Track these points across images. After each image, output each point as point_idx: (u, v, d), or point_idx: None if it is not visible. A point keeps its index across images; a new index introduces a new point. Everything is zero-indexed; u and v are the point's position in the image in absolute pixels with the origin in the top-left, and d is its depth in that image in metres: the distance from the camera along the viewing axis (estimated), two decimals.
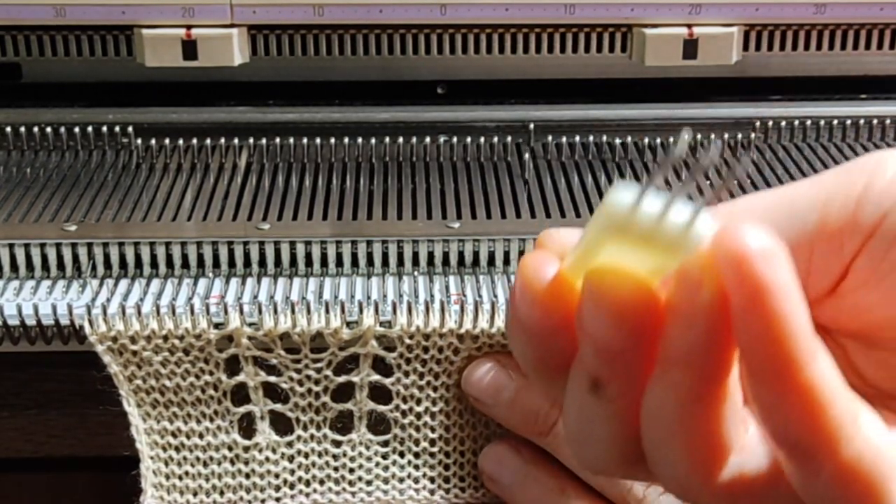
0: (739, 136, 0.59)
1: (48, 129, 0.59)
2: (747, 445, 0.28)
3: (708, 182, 0.55)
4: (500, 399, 0.42)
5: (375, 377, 0.43)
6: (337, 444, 0.44)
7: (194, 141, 0.59)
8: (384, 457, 0.44)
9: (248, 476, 0.44)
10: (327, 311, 0.42)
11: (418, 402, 0.44)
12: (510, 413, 0.42)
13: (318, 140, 0.58)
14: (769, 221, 0.30)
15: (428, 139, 0.58)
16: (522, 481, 0.43)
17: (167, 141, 0.58)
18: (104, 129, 0.59)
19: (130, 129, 0.59)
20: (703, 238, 0.27)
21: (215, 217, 0.51)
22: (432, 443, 0.44)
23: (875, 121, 0.61)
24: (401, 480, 0.45)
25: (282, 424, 0.44)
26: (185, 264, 0.48)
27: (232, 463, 0.44)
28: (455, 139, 0.58)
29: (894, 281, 0.30)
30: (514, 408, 0.42)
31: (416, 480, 0.45)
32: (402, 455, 0.44)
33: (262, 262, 0.48)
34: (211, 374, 0.43)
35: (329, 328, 0.42)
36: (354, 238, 0.48)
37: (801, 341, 0.25)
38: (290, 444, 0.44)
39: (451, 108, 0.63)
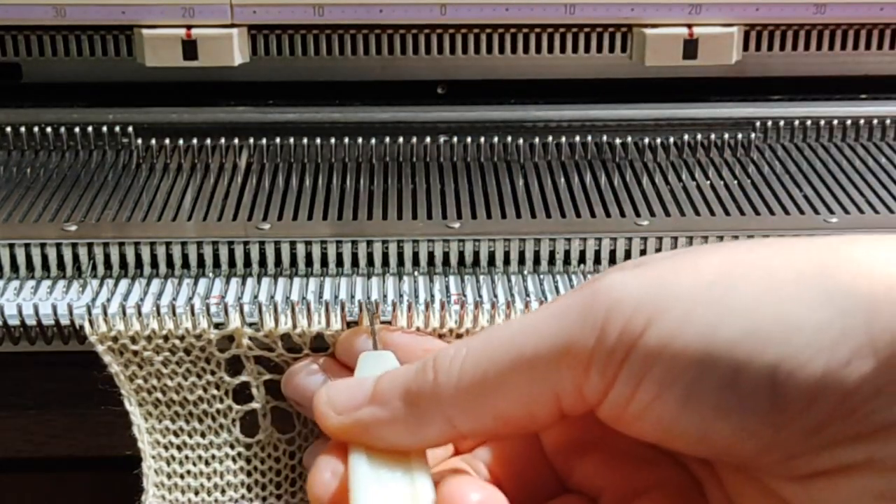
0: (739, 136, 0.59)
1: (48, 129, 0.59)
2: None
3: (708, 182, 0.55)
4: None
5: None
6: None
7: (194, 141, 0.59)
8: None
9: (249, 474, 0.44)
10: (327, 312, 0.42)
11: None
12: None
13: (318, 140, 0.58)
14: (507, 362, 0.32)
15: (428, 139, 0.58)
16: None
17: (167, 141, 0.58)
18: (104, 129, 0.59)
19: (130, 129, 0.59)
20: None
21: (215, 217, 0.51)
22: None
23: (875, 121, 0.61)
24: None
25: (284, 421, 0.44)
26: (185, 264, 0.48)
27: (234, 461, 0.44)
28: (455, 139, 0.58)
29: (648, 418, 0.31)
30: None
31: None
32: None
33: (262, 262, 0.48)
34: (213, 373, 0.43)
35: (329, 329, 0.42)
36: (354, 238, 0.48)
37: None
38: (291, 441, 0.44)
39: (451, 108, 0.63)
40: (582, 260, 0.48)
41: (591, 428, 0.34)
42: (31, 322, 0.44)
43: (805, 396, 0.28)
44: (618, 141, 0.58)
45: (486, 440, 0.37)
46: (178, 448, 0.44)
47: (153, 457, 0.43)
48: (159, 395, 0.43)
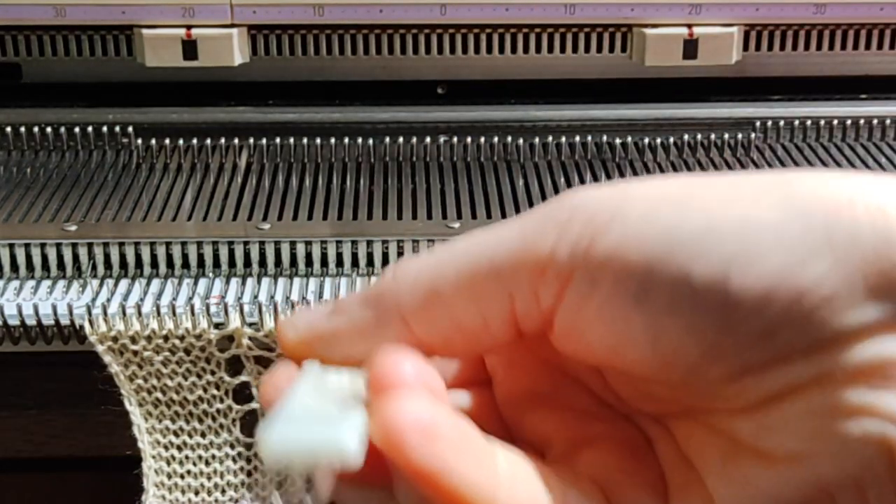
0: (739, 136, 0.59)
1: (48, 129, 0.59)
2: None
3: None
4: None
5: None
6: None
7: (194, 141, 0.59)
8: None
9: (249, 474, 0.44)
10: None
11: None
12: None
13: (318, 140, 0.58)
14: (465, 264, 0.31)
15: (428, 139, 0.58)
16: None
17: (167, 141, 0.58)
18: (104, 129, 0.59)
19: (130, 129, 0.59)
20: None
21: (215, 217, 0.51)
22: None
23: (875, 121, 0.61)
24: None
25: None
26: (185, 264, 0.48)
27: (234, 461, 0.44)
28: (455, 139, 0.58)
29: (601, 323, 0.30)
30: None
31: None
32: None
33: (262, 262, 0.48)
34: (213, 373, 0.43)
35: None
36: (354, 238, 0.48)
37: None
38: None
39: (451, 108, 0.63)
40: None
41: (542, 379, 0.34)
42: (31, 322, 0.44)
43: (758, 294, 0.28)
44: (618, 141, 0.58)
45: (444, 354, 0.37)
46: (179, 448, 0.44)
47: (153, 457, 0.43)
48: (159, 395, 0.43)
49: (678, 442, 0.33)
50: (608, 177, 0.56)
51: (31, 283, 0.47)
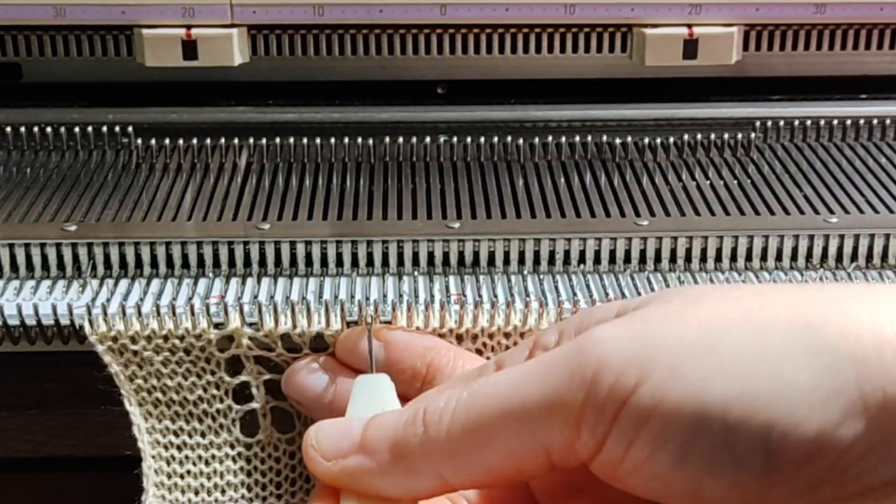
0: (739, 136, 0.59)
1: (48, 129, 0.59)
2: None
3: (708, 182, 0.55)
4: (320, 401, 0.42)
5: None
6: None
7: (194, 141, 0.59)
8: None
9: (249, 474, 0.44)
10: (327, 312, 0.42)
11: None
12: (330, 414, 0.42)
13: (318, 140, 0.58)
14: (504, 425, 0.32)
15: (428, 139, 0.58)
16: None
17: (167, 141, 0.58)
18: (104, 129, 0.59)
19: (130, 129, 0.59)
20: None
21: (215, 217, 0.51)
22: None
23: (875, 121, 0.61)
24: None
25: (284, 421, 0.44)
26: (185, 264, 0.48)
27: (234, 461, 0.44)
28: (455, 139, 0.58)
29: (639, 477, 0.31)
30: (333, 409, 0.41)
31: None
32: None
33: (262, 262, 0.48)
34: (213, 373, 0.43)
35: (329, 329, 0.42)
36: (354, 238, 0.48)
37: None
38: (291, 441, 0.44)
39: (451, 108, 0.63)
40: (582, 260, 0.48)
41: (580, 473, 0.34)
42: (31, 322, 0.44)
43: (799, 458, 0.28)
44: (618, 141, 0.58)
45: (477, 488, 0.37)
46: (178, 448, 0.44)
47: (153, 457, 0.43)
48: (159, 394, 0.43)
49: None
50: (608, 177, 0.56)
51: (31, 283, 0.47)
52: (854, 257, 0.48)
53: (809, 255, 0.49)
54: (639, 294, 0.46)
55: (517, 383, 0.32)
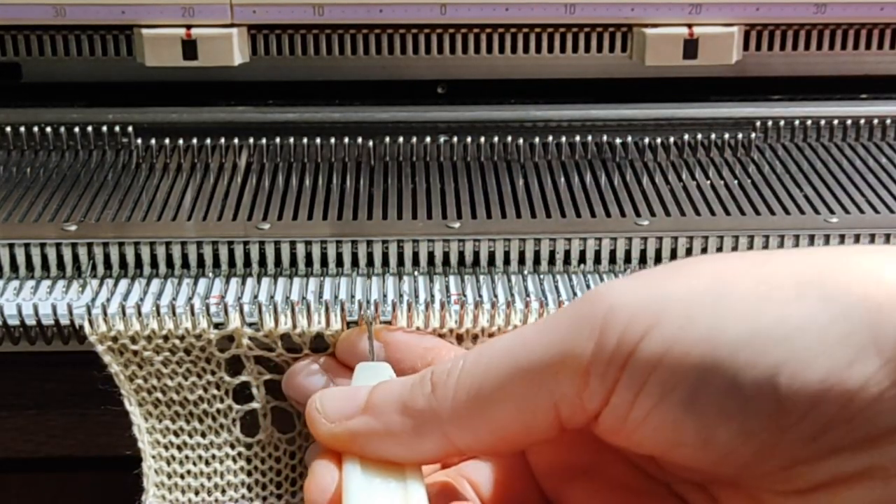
0: (739, 136, 0.59)
1: (48, 129, 0.59)
2: None
3: (708, 182, 0.55)
4: None
5: None
6: None
7: (194, 141, 0.59)
8: None
9: (250, 474, 0.44)
10: (327, 312, 0.42)
11: None
12: None
13: (318, 140, 0.58)
14: (506, 373, 0.32)
15: (428, 139, 0.58)
16: None
17: (167, 141, 0.58)
18: (104, 129, 0.59)
19: (130, 129, 0.59)
20: None
21: (215, 217, 0.51)
22: None
23: (875, 121, 0.61)
24: None
25: (284, 421, 0.44)
26: (185, 264, 0.48)
27: (234, 461, 0.44)
28: (455, 139, 0.58)
29: (649, 426, 0.30)
30: None
31: None
32: None
33: (262, 262, 0.48)
34: (213, 373, 0.43)
35: (329, 329, 0.42)
36: (354, 238, 0.48)
37: None
38: (292, 441, 0.44)
39: (451, 108, 0.63)
40: (582, 260, 0.48)
41: (582, 452, 0.34)
42: (30, 322, 0.44)
43: (808, 399, 0.28)
44: (618, 141, 0.58)
45: (480, 455, 0.37)
46: (179, 448, 0.44)
47: (153, 457, 0.43)
48: (159, 395, 0.43)
49: None
50: (608, 177, 0.56)
51: (31, 283, 0.47)
52: None
53: None
54: None
55: (525, 338, 0.32)
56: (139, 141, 0.58)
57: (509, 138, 0.58)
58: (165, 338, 0.43)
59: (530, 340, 0.32)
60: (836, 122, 0.61)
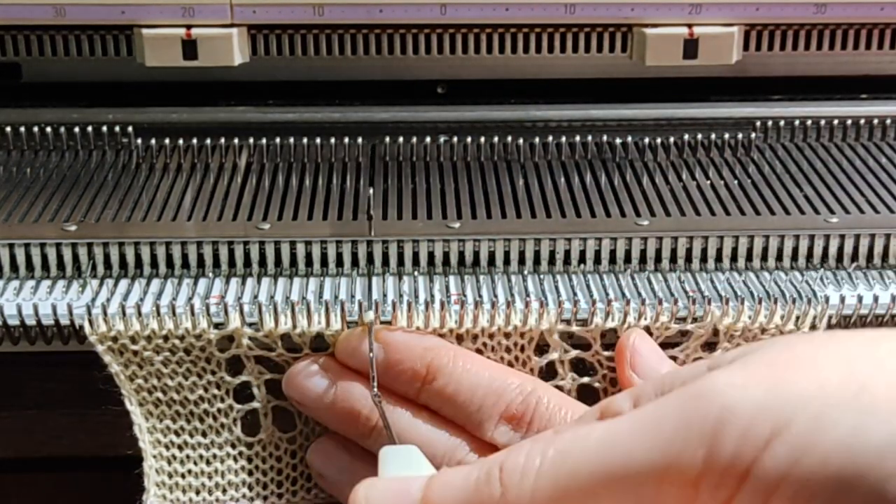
0: (739, 136, 0.59)
1: (48, 129, 0.59)
2: None
3: (708, 182, 0.55)
4: (321, 402, 0.42)
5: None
6: None
7: (194, 141, 0.59)
8: None
9: (250, 473, 0.44)
10: (327, 312, 0.42)
11: None
12: (331, 415, 0.42)
13: (318, 140, 0.58)
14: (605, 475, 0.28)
15: (428, 139, 0.58)
16: (349, 478, 0.40)
17: (167, 141, 0.58)
18: (104, 129, 0.59)
19: (130, 129, 0.59)
20: None
21: (215, 217, 0.51)
22: None
23: (875, 121, 0.61)
24: None
25: (285, 421, 0.44)
26: (185, 264, 0.48)
27: (235, 461, 0.44)
28: (455, 139, 0.58)
29: None
30: (334, 410, 0.42)
31: None
32: None
33: (262, 262, 0.48)
34: (213, 373, 0.43)
35: (329, 329, 0.42)
36: (354, 238, 0.48)
37: None
38: (293, 441, 0.44)
39: (451, 108, 0.63)
40: (582, 260, 0.48)
41: None
42: (30, 322, 0.44)
43: None
44: (618, 141, 0.58)
45: None
46: (179, 448, 0.44)
47: (154, 456, 0.43)
48: (160, 394, 0.43)
49: None
50: (608, 177, 0.56)
51: (31, 283, 0.47)
52: (854, 257, 0.48)
53: (809, 255, 0.49)
54: (639, 295, 0.46)
55: (617, 439, 0.28)
56: (139, 141, 0.58)
57: (509, 138, 0.58)
58: (165, 338, 0.43)
59: (628, 442, 0.28)
60: (836, 122, 0.61)
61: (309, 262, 0.48)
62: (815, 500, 0.26)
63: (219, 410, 0.43)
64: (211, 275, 0.47)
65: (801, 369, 0.27)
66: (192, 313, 0.42)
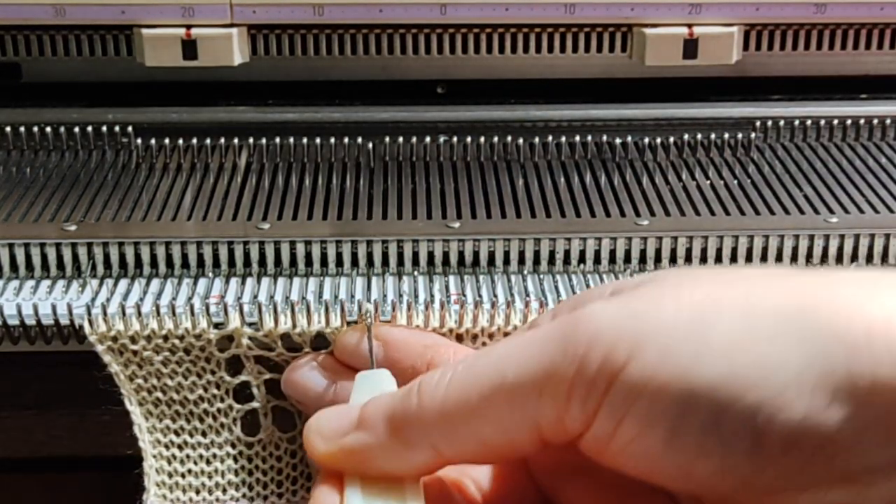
0: (739, 136, 0.59)
1: (48, 129, 0.59)
2: None
3: (708, 182, 0.55)
4: (321, 401, 0.42)
5: None
6: None
7: (194, 141, 0.59)
8: None
9: (250, 473, 0.44)
10: (327, 311, 0.42)
11: None
12: None
13: (318, 140, 0.58)
14: (488, 394, 0.32)
15: (428, 139, 0.58)
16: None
17: (167, 141, 0.58)
18: (104, 129, 0.59)
19: (130, 129, 0.59)
20: None
21: (215, 217, 0.51)
22: None
23: (875, 121, 0.61)
24: None
25: (285, 420, 0.44)
26: (185, 264, 0.48)
27: (235, 460, 0.44)
28: (455, 139, 0.58)
29: (630, 455, 0.31)
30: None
31: None
32: None
33: (262, 262, 0.48)
34: (213, 373, 0.43)
35: (329, 328, 0.42)
36: (354, 238, 0.48)
37: None
38: (293, 440, 0.44)
39: (451, 108, 0.63)
40: (582, 260, 0.48)
41: (577, 452, 0.34)
42: (30, 322, 0.44)
43: (786, 440, 0.28)
44: (618, 141, 0.58)
45: (472, 463, 0.37)
46: (179, 447, 0.44)
47: (154, 456, 0.43)
48: (159, 394, 0.43)
49: None
50: (608, 177, 0.56)
51: (31, 282, 0.47)
52: (854, 257, 0.48)
53: (809, 255, 0.49)
54: None
55: (510, 355, 0.32)
56: (139, 141, 0.58)
57: (509, 138, 0.58)
58: (165, 338, 0.43)
59: (516, 356, 0.32)
60: (836, 122, 0.61)
61: (309, 262, 0.48)
62: (660, 422, 0.29)
63: (219, 410, 0.43)
64: (211, 275, 0.47)
65: (662, 304, 0.30)
66: (192, 313, 0.42)
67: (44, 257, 0.47)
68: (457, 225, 0.49)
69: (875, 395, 0.27)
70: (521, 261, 0.48)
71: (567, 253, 0.48)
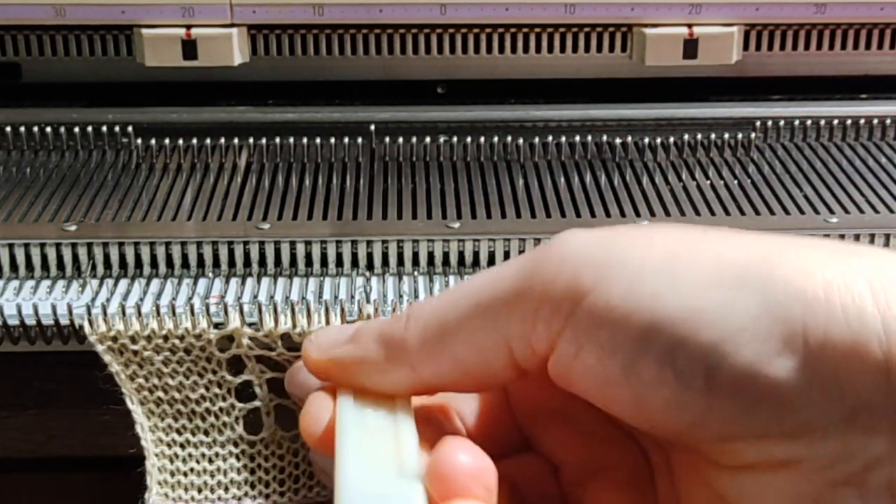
0: (739, 136, 0.59)
1: (48, 129, 0.59)
2: None
3: (708, 182, 0.55)
4: None
5: None
6: None
7: (194, 141, 0.59)
8: None
9: (253, 472, 0.44)
10: (327, 312, 0.42)
11: None
12: None
13: (318, 140, 0.58)
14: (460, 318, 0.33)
15: (428, 139, 0.58)
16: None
17: (167, 141, 0.58)
18: (104, 129, 0.59)
19: (130, 129, 0.59)
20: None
21: (215, 217, 0.51)
22: None
23: (875, 121, 0.61)
24: None
25: (287, 419, 0.44)
26: (185, 264, 0.48)
27: (237, 459, 0.44)
28: (455, 139, 0.58)
29: (590, 380, 0.31)
30: None
31: None
32: None
33: (262, 262, 0.48)
34: (214, 372, 0.43)
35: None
36: (354, 238, 0.48)
37: None
38: (295, 439, 0.44)
39: (451, 108, 0.63)
40: None
41: (555, 397, 0.35)
42: (30, 322, 0.44)
43: (734, 381, 0.29)
44: (618, 141, 0.58)
45: (451, 391, 0.38)
46: (181, 446, 0.44)
47: (156, 455, 0.43)
48: (161, 394, 0.43)
49: (674, 480, 0.34)
50: (608, 177, 0.56)
51: (31, 283, 0.47)
52: None
53: None
54: None
55: (488, 278, 0.33)
56: (139, 141, 0.58)
57: (509, 138, 0.58)
58: (165, 338, 0.42)
59: (494, 277, 0.33)
60: (836, 122, 0.61)
61: (309, 262, 0.48)
62: (619, 351, 0.30)
63: (220, 409, 0.43)
64: (211, 275, 0.47)
65: (637, 240, 0.31)
66: (192, 313, 0.42)
67: (44, 257, 0.47)
68: (457, 225, 0.49)
69: (825, 350, 0.28)
70: None
71: None
